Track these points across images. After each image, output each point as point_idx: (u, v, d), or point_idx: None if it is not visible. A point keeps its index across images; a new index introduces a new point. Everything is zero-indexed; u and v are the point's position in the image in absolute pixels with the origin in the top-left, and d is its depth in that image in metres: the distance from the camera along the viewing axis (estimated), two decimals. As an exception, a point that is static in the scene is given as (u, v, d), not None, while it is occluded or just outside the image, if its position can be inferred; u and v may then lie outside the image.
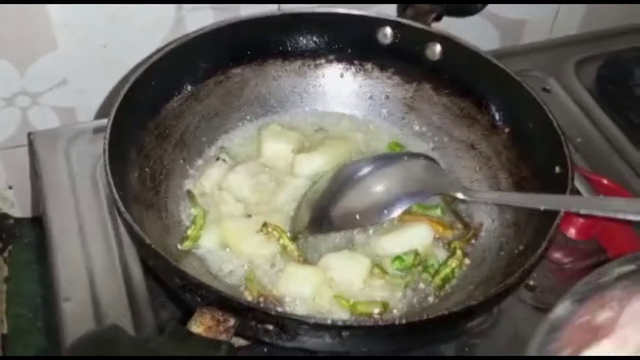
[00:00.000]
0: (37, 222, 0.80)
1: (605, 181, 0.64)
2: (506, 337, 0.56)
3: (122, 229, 0.61)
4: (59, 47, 0.67)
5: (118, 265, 0.59)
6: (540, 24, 0.85)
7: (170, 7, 0.68)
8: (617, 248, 0.60)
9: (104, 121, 0.65)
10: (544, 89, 0.75)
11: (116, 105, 0.54)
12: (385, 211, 0.57)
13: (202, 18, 0.69)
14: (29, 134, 0.68)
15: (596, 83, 0.77)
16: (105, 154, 0.51)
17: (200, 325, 0.44)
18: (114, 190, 0.49)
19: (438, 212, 0.60)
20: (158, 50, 0.60)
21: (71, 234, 0.61)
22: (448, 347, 0.55)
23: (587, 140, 0.71)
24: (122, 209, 0.49)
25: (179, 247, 0.55)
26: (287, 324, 0.45)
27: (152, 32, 0.69)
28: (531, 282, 0.59)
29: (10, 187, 0.77)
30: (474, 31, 0.72)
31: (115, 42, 0.69)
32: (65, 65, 0.69)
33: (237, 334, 0.46)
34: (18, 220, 0.80)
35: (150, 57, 0.59)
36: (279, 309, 0.51)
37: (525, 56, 0.80)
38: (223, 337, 0.44)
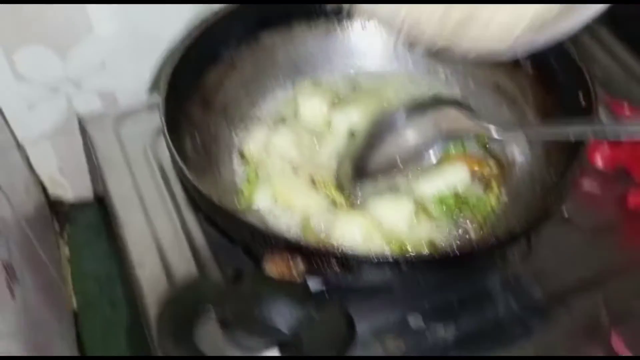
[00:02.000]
0: (92, 204, 0.85)
1: (625, 106, 0.67)
2: (546, 265, 0.60)
3: (178, 196, 0.66)
4: (95, 32, 0.70)
5: (180, 229, 0.63)
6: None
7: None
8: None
9: (147, 101, 0.70)
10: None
11: (166, 81, 0.59)
12: (424, 155, 0.60)
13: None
14: (79, 119, 0.72)
15: (609, 13, 0.79)
16: (164, 126, 0.56)
17: (273, 269, 0.49)
18: (178, 159, 0.54)
19: (473, 150, 0.63)
20: (195, 27, 0.64)
21: (133, 207, 0.65)
22: (493, 280, 0.59)
23: (605, 70, 0.74)
24: (188, 174, 0.53)
25: (238, 206, 0.59)
26: (352, 262, 0.50)
27: (182, 9, 0.72)
28: (565, 215, 0.62)
29: (62, 172, 0.81)
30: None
31: (147, 23, 0.72)
32: (103, 49, 0.72)
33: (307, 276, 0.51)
34: (73, 205, 0.84)
35: (189, 33, 0.63)
36: (342, 249, 0.54)
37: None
38: (296, 279, 0.49)
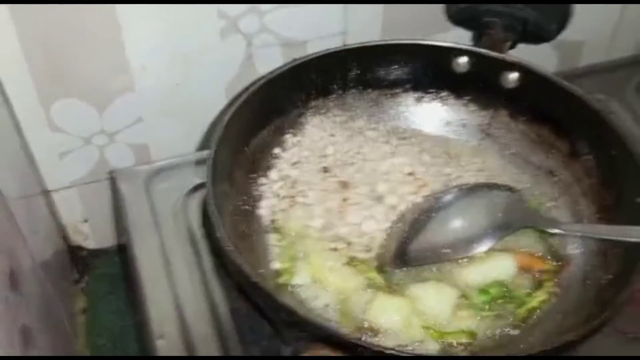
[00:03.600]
0: (111, 253, 0.82)
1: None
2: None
3: (205, 263, 0.63)
4: (136, 88, 0.69)
5: (205, 300, 0.60)
6: (599, 45, 0.85)
7: (240, 47, 0.70)
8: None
9: (182, 158, 0.69)
10: (609, 113, 0.74)
11: (215, 142, 0.56)
12: (474, 245, 0.57)
13: (270, 57, 0.71)
14: (110, 172, 0.70)
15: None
16: (209, 190, 0.53)
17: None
18: (220, 229, 0.51)
19: (526, 242, 0.60)
20: (247, 88, 0.61)
21: (157, 269, 0.62)
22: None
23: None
24: (228, 246, 0.50)
25: (278, 281, 0.56)
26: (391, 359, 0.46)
27: (222, 71, 0.71)
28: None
29: (85, 220, 0.79)
30: (535, 55, 0.73)
31: (188, 81, 0.71)
32: (141, 105, 0.71)
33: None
34: (92, 252, 0.82)
35: (240, 94, 0.61)
36: (383, 345, 0.51)
37: (585, 78, 0.80)
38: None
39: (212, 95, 0.72)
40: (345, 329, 0.54)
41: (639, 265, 0.52)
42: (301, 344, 0.48)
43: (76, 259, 0.82)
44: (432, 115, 0.70)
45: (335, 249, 0.60)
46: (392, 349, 0.50)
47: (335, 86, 0.67)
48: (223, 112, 0.63)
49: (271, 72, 0.63)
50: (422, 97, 0.69)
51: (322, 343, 0.47)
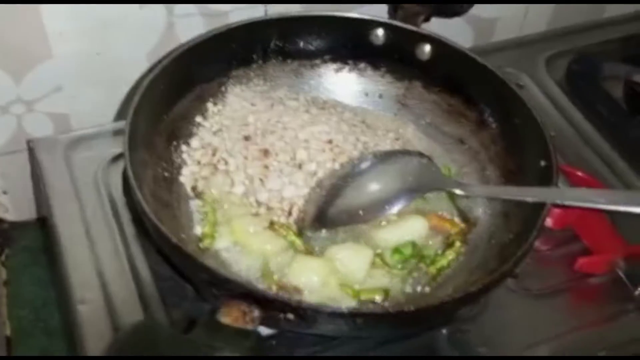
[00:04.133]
0: (33, 226, 0.81)
1: (579, 173, 0.68)
2: (494, 322, 0.60)
3: (127, 230, 0.63)
4: (54, 56, 0.68)
5: (127, 266, 0.61)
6: (512, 22, 0.89)
7: (162, 15, 0.70)
8: (591, 236, 0.65)
9: (102, 127, 0.68)
10: (518, 85, 0.78)
11: (131, 110, 0.56)
12: (386, 207, 0.60)
13: (192, 25, 0.71)
14: (28, 141, 0.69)
15: (566, 78, 0.81)
16: (127, 158, 0.54)
17: (228, 317, 0.47)
18: (138, 193, 0.52)
19: (436, 205, 0.63)
20: (165, 56, 0.62)
21: (78, 238, 0.62)
22: (441, 336, 0.59)
23: (559, 133, 0.75)
24: (148, 210, 0.51)
25: (200, 245, 0.57)
26: (307, 313, 0.49)
27: (143, 39, 0.71)
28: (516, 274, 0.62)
29: (4, 193, 0.78)
30: (451, 30, 0.76)
31: (108, 49, 0.70)
32: (60, 73, 0.70)
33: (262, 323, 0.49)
34: (13, 224, 0.81)
35: (159, 62, 0.61)
36: (298, 299, 0.53)
37: (498, 53, 0.84)
38: (249, 326, 0.47)
39: (133, 63, 0.72)
40: (265, 288, 0.56)
41: (538, 224, 0.56)
42: (220, 301, 0.49)
43: (-4, 230, 0.80)
44: (350, 86, 0.72)
45: (256, 214, 0.62)
46: (308, 303, 0.52)
47: (256, 56, 0.68)
48: (141, 80, 0.63)
49: (191, 41, 0.64)
50: (341, 68, 0.71)
51: (241, 300, 0.49)
